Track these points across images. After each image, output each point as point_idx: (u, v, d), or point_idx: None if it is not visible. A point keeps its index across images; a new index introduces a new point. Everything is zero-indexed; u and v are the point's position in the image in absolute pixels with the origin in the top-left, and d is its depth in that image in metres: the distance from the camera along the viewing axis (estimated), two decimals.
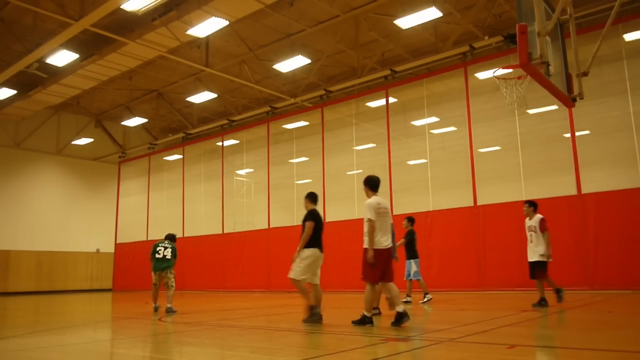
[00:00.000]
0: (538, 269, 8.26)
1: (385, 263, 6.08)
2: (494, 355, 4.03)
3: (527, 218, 8.50)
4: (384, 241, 6.10)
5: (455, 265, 13.53)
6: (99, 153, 24.91)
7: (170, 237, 9.89)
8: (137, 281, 22.21)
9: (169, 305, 10.13)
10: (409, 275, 10.09)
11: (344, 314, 8.03)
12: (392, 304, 6.39)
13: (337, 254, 14.10)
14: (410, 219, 10.31)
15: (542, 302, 7.99)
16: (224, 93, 20.34)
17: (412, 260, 10.00)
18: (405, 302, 9.60)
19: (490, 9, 14.10)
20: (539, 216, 8.35)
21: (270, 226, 18.25)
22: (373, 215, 6.06)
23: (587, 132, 12.65)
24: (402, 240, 10.02)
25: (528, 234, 8.44)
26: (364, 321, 6.07)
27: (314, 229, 6.72)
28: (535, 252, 8.31)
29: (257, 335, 5.95)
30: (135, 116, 21.51)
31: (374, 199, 6.22)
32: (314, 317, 6.52)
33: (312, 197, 7.11)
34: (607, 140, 12.32)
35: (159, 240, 10.08)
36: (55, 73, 17.10)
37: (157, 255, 9.70)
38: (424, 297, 9.89)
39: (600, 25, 9.09)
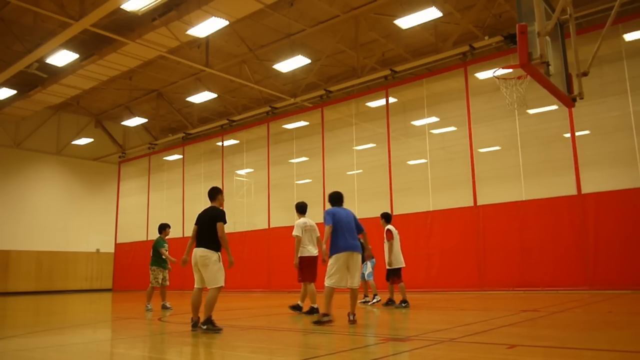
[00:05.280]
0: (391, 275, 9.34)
1: (312, 267, 8.02)
2: (494, 355, 4.03)
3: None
4: (312, 250, 8.07)
5: (455, 265, 13.53)
6: (99, 153, 24.90)
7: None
8: (137, 281, 22.21)
9: (167, 303, 10.18)
10: (362, 276, 10.30)
11: (343, 313, 8.03)
12: (312, 300, 8.01)
13: None
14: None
15: (389, 303, 9.29)
16: (224, 93, 20.34)
17: (368, 262, 10.16)
18: (364, 302, 10.17)
19: (490, 9, 14.10)
20: (387, 227, 9.39)
21: (270, 226, 18.25)
22: (299, 232, 8.03)
23: (587, 132, 12.64)
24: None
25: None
26: (295, 308, 8.20)
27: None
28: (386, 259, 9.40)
29: (257, 335, 5.95)
30: (135, 116, 21.50)
31: (301, 220, 8.20)
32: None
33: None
34: (607, 140, 12.31)
35: (160, 237, 10.30)
36: (55, 73, 17.09)
37: (162, 257, 10.11)
38: (373, 299, 10.16)
39: (600, 25, 9.09)
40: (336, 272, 6.32)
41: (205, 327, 5.97)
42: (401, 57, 16.93)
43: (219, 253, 6.19)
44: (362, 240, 6.98)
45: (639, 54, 11.94)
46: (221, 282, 6.12)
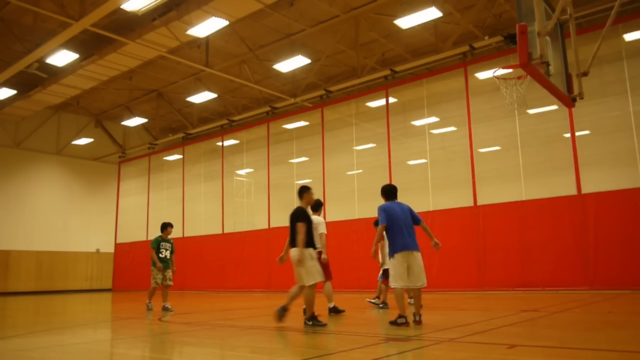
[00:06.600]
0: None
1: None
2: (494, 355, 4.03)
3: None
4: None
5: (455, 265, 13.52)
6: (99, 153, 24.90)
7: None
8: (137, 281, 22.23)
9: (167, 304, 10.15)
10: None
11: (344, 313, 8.03)
12: (329, 299, 7.98)
13: (337, 254, 14.09)
14: None
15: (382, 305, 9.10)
16: (224, 93, 20.34)
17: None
18: (373, 302, 9.72)
19: (490, 9, 14.10)
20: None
21: (271, 226, 18.25)
22: None
23: (587, 132, 12.64)
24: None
25: None
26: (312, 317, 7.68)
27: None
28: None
29: (257, 335, 5.95)
30: (135, 116, 21.50)
31: None
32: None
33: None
34: (607, 140, 12.31)
35: (160, 236, 10.11)
36: (55, 73, 17.09)
37: (160, 255, 9.89)
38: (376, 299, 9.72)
39: (600, 25, 9.09)
40: (398, 272, 6.02)
41: (310, 322, 6.26)
42: (401, 57, 16.93)
43: (311, 249, 6.38)
44: (426, 232, 6.47)
45: (639, 54, 11.94)
46: (316, 279, 6.32)
